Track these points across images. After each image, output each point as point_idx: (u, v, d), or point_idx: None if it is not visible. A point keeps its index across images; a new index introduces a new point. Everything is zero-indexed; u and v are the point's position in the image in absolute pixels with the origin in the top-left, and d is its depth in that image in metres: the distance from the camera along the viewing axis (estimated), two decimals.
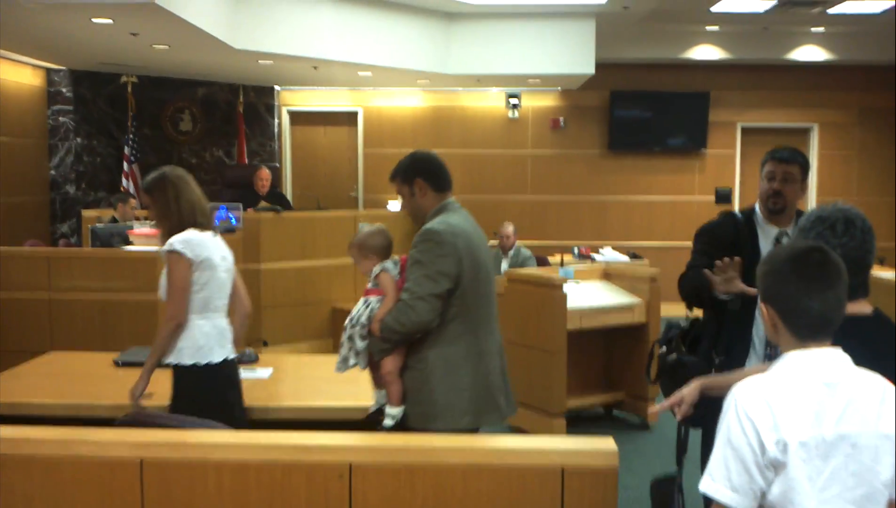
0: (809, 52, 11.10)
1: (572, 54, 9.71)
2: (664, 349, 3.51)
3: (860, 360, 2.04)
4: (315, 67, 9.34)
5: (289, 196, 10.80)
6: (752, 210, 3.47)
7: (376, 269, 3.34)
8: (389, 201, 10.78)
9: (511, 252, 8.22)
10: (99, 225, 6.77)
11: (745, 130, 11.73)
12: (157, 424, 2.90)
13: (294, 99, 11.64)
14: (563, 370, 5.96)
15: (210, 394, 3.37)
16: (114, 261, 5.55)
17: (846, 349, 2.07)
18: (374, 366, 3.30)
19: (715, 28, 10.71)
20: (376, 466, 2.50)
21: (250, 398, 3.65)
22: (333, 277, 7.71)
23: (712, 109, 11.49)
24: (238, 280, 3.63)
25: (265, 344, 7.05)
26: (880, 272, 6.07)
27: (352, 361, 3.29)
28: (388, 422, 3.22)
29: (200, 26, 6.82)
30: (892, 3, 8.95)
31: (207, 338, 3.39)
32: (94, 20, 6.61)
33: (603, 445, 2.53)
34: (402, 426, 3.21)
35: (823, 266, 1.95)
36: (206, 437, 2.69)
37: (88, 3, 6.03)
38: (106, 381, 3.96)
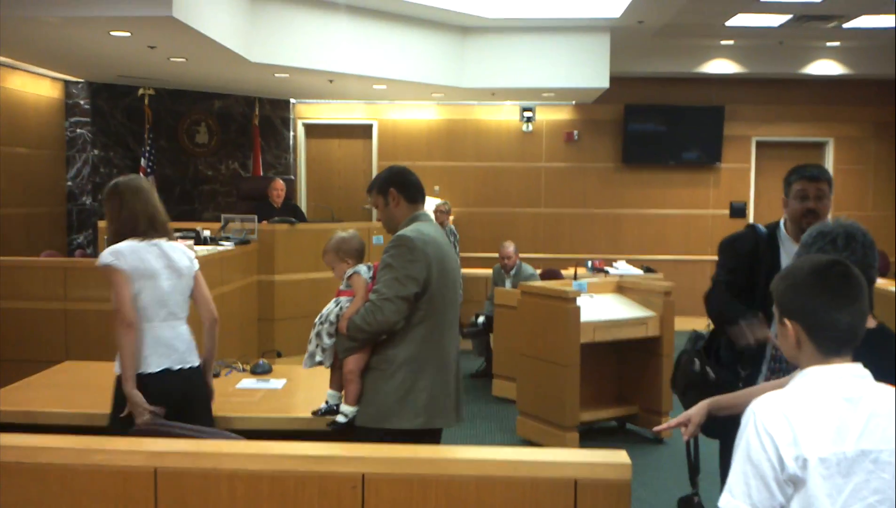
0: (824, 67, 11.08)
1: (587, 68, 9.73)
2: (696, 361, 3.50)
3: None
4: (330, 81, 9.38)
5: (303, 208, 10.83)
6: (777, 226, 3.47)
7: (349, 271, 3.49)
8: None
9: (513, 271, 8.22)
10: None
11: (759, 144, 11.70)
12: (172, 433, 2.92)
13: (309, 112, 11.70)
14: (576, 384, 5.95)
15: (147, 400, 3.38)
16: None
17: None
18: (335, 366, 3.44)
19: (730, 42, 10.71)
20: (389, 477, 2.50)
21: (264, 409, 3.66)
22: None
23: (727, 123, 11.47)
24: (202, 287, 3.62)
25: (279, 355, 7.05)
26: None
27: (318, 357, 3.45)
28: (340, 419, 3.35)
29: (217, 40, 6.87)
30: None
31: (147, 346, 3.43)
32: (113, 33, 6.67)
33: (616, 458, 2.52)
34: (350, 425, 3.34)
35: (848, 279, 1.95)
36: (220, 447, 2.70)
37: (107, 16, 6.09)
38: None
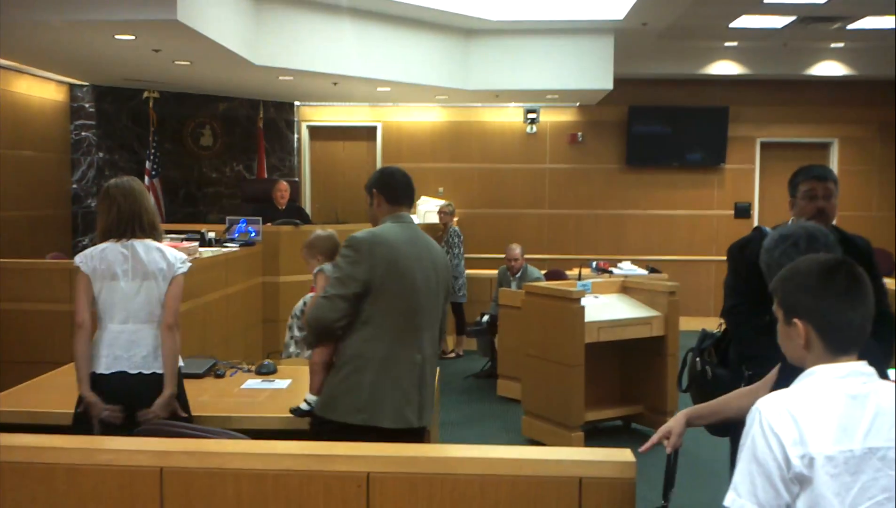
0: (829, 68, 11.07)
1: (590, 70, 9.73)
2: (698, 359, 3.51)
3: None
4: (335, 83, 9.40)
5: (308, 210, 10.85)
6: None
7: (315, 269, 3.69)
8: None
9: (519, 274, 8.24)
10: None
11: (764, 146, 11.69)
12: (177, 433, 2.93)
13: (313, 114, 11.72)
14: (581, 383, 5.96)
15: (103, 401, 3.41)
16: None
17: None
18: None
19: (734, 44, 10.70)
20: (394, 476, 2.51)
21: (269, 409, 3.67)
22: None
23: (731, 125, 11.46)
24: (171, 291, 3.52)
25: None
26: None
27: (292, 348, 3.65)
28: (303, 405, 3.48)
29: (222, 43, 6.89)
30: None
31: (97, 348, 3.46)
32: (117, 37, 6.69)
33: (620, 456, 2.53)
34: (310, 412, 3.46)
35: (856, 278, 1.96)
36: (225, 446, 2.72)
37: (112, 20, 6.10)
38: None
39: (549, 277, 8.66)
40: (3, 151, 8.36)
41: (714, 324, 3.71)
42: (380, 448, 2.67)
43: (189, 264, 3.64)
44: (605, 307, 6.40)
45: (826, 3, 8.31)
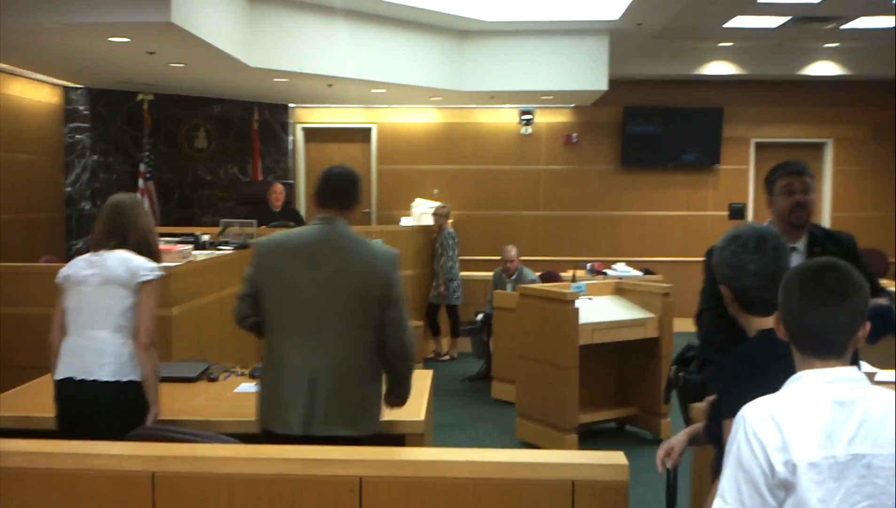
0: (823, 68, 11.08)
1: (585, 71, 9.73)
2: (673, 367, 3.52)
3: (769, 370, 2.10)
4: (329, 85, 9.40)
5: (302, 212, 10.84)
6: None
7: None
8: (402, 218, 10.83)
9: (514, 276, 8.26)
10: None
11: (759, 146, 11.70)
12: (170, 438, 2.92)
13: (308, 116, 11.71)
14: (575, 386, 5.96)
15: (57, 408, 3.45)
16: None
17: (755, 361, 2.15)
18: None
19: (728, 44, 10.71)
20: (387, 480, 2.51)
21: None
22: None
23: (726, 125, 11.47)
24: (141, 303, 3.47)
25: None
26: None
27: None
28: None
29: (216, 45, 6.89)
30: None
31: (61, 355, 3.49)
32: (112, 39, 6.69)
33: (613, 459, 2.54)
34: None
35: (822, 283, 1.92)
36: (218, 451, 2.71)
37: (106, 22, 6.10)
38: None
39: (543, 278, 8.67)
40: None
41: None
42: (372, 452, 2.67)
43: (159, 273, 3.56)
44: (599, 309, 6.41)
45: (820, 2, 8.32)
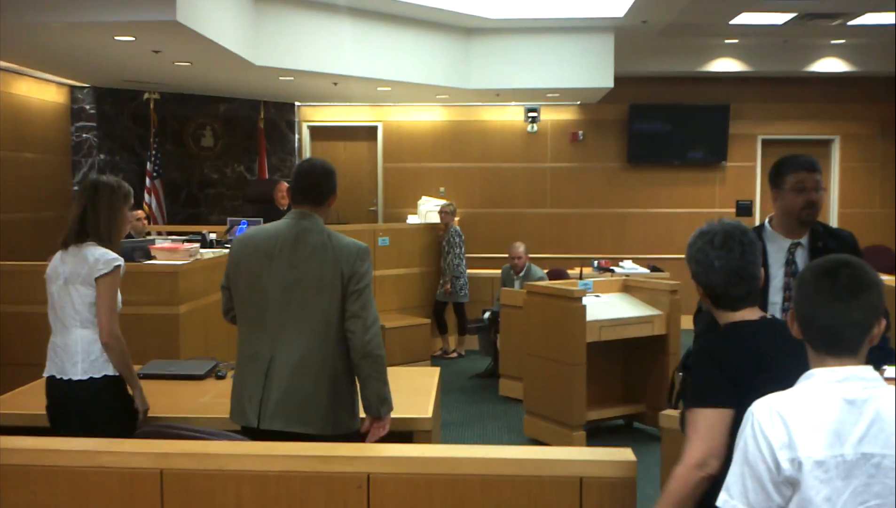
0: (830, 64, 11.05)
1: (591, 68, 9.72)
2: (680, 375, 3.48)
3: (743, 363, 2.15)
4: (335, 83, 9.40)
5: None
6: (762, 226, 3.37)
7: None
8: (409, 216, 10.83)
9: (522, 273, 8.25)
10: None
11: (765, 143, 11.68)
12: (178, 434, 2.92)
13: (314, 114, 11.72)
14: (582, 383, 5.95)
15: (46, 404, 3.48)
16: (135, 275, 5.57)
17: (714, 354, 2.18)
18: None
19: (734, 41, 10.69)
20: (395, 477, 2.51)
21: None
22: None
23: (732, 122, 11.45)
24: (98, 300, 3.42)
25: None
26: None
27: None
28: None
29: (222, 43, 6.89)
30: None
31: (47, 352, 3.53)
32: (117, 38, 6.69)
33: (621, 455, 2.53)
34: None
35: (836, 279, 1.90)
36: (225, 448, 2.71)
37: (111, 21, 6.10)
38: None
39: (550, 276, 8.66)
40: (3, 153, 8.36)
41: None
42: (380, 448, 2.66)
43: (116, 264, 3.43)
44: (606, 306, 6.40)
45: None
